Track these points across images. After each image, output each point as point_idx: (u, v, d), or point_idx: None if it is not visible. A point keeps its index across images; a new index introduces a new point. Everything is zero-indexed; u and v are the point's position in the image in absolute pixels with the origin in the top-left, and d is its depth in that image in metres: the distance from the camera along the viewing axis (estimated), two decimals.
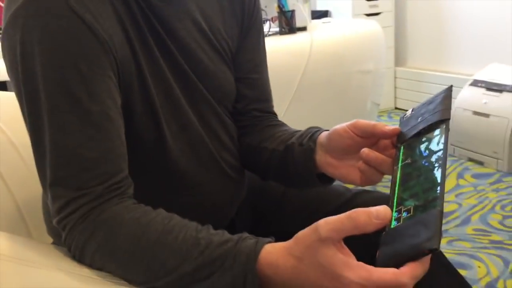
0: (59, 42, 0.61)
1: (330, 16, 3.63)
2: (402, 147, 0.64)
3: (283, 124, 0.90)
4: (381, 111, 3.61)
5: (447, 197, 2.23)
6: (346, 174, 0.73)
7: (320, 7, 3.78)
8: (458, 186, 2.36)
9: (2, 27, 0.64)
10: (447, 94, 0.64)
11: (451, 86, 0.65)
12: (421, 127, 0.63)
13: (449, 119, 0.61)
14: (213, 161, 0.81)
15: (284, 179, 0.85)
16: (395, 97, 3.77)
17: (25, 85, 0.62)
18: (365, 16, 3.47)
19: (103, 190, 0.62)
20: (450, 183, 2.39)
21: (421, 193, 0.55)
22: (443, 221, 2.00)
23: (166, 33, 0.73)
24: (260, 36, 0.90)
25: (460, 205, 2.16)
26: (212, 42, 0.80)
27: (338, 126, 0.72)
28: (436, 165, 0.56)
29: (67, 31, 0.61)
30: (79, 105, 0.62)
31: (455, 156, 2.70)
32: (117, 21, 0.67)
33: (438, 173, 0.55)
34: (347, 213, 0.51)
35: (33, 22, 0.60)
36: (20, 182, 0.99)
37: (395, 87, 3.75)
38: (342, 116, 2.28)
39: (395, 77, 3.73)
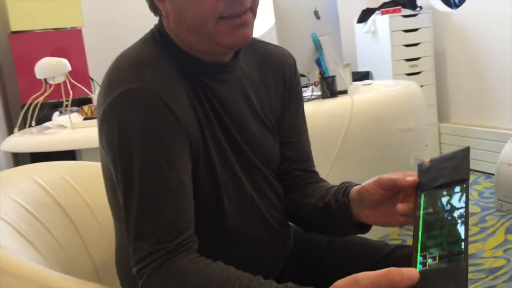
0: (148, 124, 0.77)
1: (371, 77, 3.77)
2: (422, 195, 0.73)
3: (322, 181, 1.01)
4: None
5: (495, 253, 2.23)
6: (385, 221, 0.83)
7: (361, 68, 3.94)
8: (506, 241, 2.35)
9: (100, 111, 0.80)
10: (466, 155, 0.72)
11: (468, 147, 0.73)
12: (442, 181, 0.71)
13: (468, 179, 0.69)
14: (263, 218, 0.93)
15: (326, 231, 0.97)
16: (441, 153, 3.80)
17: (120, 159, 0.77)
18: (405, 75, 3.58)
19: (175, 245, 0.75)
20: (498, 239, 2.38)
21: (446, 244, 0.63)
22: (491, 277, 1.99)
23: (223, 110, 0.88)
24: (299, 105, 1.03)
25: (508, 260, 2.15)
26: (260, 116, 0.94)
27: (365, 183, 0.84)
28: (459, 221, 0.65)
29: (155, 115, 0.77)
30: (161, 173, 0.76)
31: (503, 212, 2.68)
32: (190, 104, 0.83)
33: (461, 229, 0.64)
34: (384, 270, 0.62)
35: (128, 108, 0.77)
36: (96, 241, 1.14)
37: (440, 143, 3.79)
38: (385, 173, 2.35)
39: (440, 133, 3.77)
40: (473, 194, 3.04)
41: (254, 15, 0.83)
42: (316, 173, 1.04)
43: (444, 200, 0.69)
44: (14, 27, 2.81)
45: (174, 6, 0.81)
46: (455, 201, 0.68)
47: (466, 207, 0.66)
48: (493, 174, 2.77)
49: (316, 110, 2.21)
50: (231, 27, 0.79)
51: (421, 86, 3.30)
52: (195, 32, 0.82)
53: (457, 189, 0.69)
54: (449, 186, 0.70)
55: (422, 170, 0.77)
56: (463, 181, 0.70)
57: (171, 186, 0.77)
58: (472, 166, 3.51)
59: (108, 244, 1.10)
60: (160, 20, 0.88)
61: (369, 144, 2.30)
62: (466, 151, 0.73)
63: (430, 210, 0.70)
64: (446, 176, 0.72)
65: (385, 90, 2.58)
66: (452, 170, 0.72)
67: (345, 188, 0.90)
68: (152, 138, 0.77)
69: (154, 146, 0.77)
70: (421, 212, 0.70)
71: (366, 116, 2.29)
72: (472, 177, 3.37)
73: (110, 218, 0.97)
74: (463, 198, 0.67)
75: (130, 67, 0.80)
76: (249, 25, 0.82)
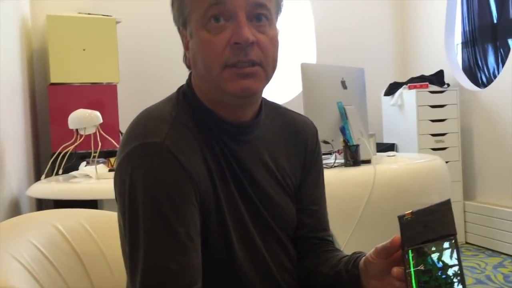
0: (158, 176, 0.78)
1: (396, 149, 3.77)
2: (410, 251, 0.71)
3: (336, 250, 1.00)
4: None
5: None
6: None
7: (387, 140, 3.95)
8: None
9: (117, 162, 0.83)
10: (448, 208, 0.71)
11: (449, 199, 0.73)
12: (429, 236, 0.70)
13: (456, 234, 0.68)
14: (274, 281, 0.92)
15: None
16: (466, 232, 3.69)
17: (129, 208, 0.79)
18: (431, 150, 3.57)
19: None
20: None
21: None
22: None
23: (241, 170, 0.89)
24: (320, 174, 1.04)
25: None
26: (278, 179, 0.95)
27: (368, 254, 0.83)
28: (455, 280, 0.64)
29: (165, 168, 0.79)
30: (168, 226, 0.77)
31: None
32: (203, 160, 0.84)
33: None
34: None
35: (141, 161, 0.79)
36: None
37: (465, 221, 3.69)
38: None
39: (465, 211, 3.69)
40: (498, 277, 2.93)
41: (265, 72, 0.85)
42: (331, 242, 1.04)
43: (435, 256, 0.68)
44: (54, 79, 2.95)
45: (191, 52, 0.86)
46: (446, 258, 0.67)
47: (460, 264, 0.65)
48: None
49: (338, 178, 2.20)
50: (234, 75, 0.82)
51: (447, 162, 3.27)
52: (205, 79, 0.86)
53: (446, 244, 0.68)
54: (436, 242, 0.69)
55: (404, 222, 0.75)
56: (451, 236, 0.69)
57: (179, 239, 0.77)
58: (498, 248, 3.40)
59: None
60: (189, 76, 0.92)
61: (390, 215, 2.24)
62: (448, 204, 0.72)
63: (422, 268, 0.68)
64: (432, 231, 0.70)
65: (409, 162, 2.57)
66: (438, 224, 0.71)
67: (355, 258, 0.90)
68: (160, 190, 0.78)
69: (162, 199, 0.78)
70: (412, 269, 0.69)
71: (389, 187, 2.27)
72: (497, 260, 3.26)
73: (123, 269, 0.97)
74: (455, 255, 0.66)
75: (148, 123, 0.83)
76: (253, 77, 0.83)
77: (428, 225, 0.72)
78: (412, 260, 0.70)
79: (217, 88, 0.84)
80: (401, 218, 0.76)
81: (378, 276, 0.82)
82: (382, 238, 2.35)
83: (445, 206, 0.72)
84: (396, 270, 0.75)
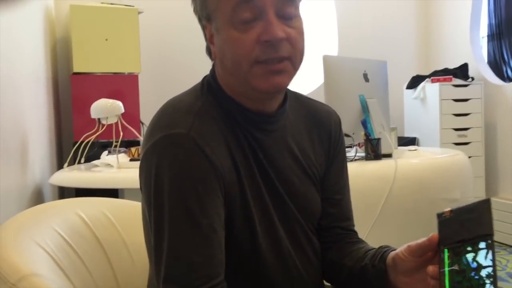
0: (183, 168, 0.78)
1: (417, 143, 3.73)
2: (446, 251, 0.70)
3: (361, 241, 0.99)
4: None
5: None
6: None
7: (408, 134, 3.90)
8: None
9: (142, 152, 0.84)
10: (487, 207, 0.69)
11: (489, 199, 0.71)
12: (465, 235, 0.68)
13: (493, 234, 0.67)
14: (297, 274, 0.92)
15: None
16: None
17: (154, 198, 0.79)
18: (453, 145, 3.52)
19: None
20: None
21: None
22: None
23: (267, 160, 0.89)
24: (344, 163, 1.03)
25: None
26: (304, 168, 0.95)
27: (398, 251, 0.82)
28: (488, 281, 0.63)
29: (191, 160, 0.79)
30: (192, 218, 0.77)
31: None
32: (228, 151, 0.84)
33: None
34: None
35: (167, 151, 0.79)
36: (128, 279, 1.15)
37: None
38: None
39: None
40: None
41: (293, 66, 0.84)
42: (355, 232, 1.03)
43: (470, 256, 0.67)
44: (76, 69, 2.98)
45: (218, 48, 0.85)
46: (481, 258, 0.65)
47: (494, 266, 0.64)
48: None
49: (359, 171, 2.18)
50: (265, 72, 0.81)
51: (470, 157, 3.22)
52: (234, 75, 0.85)
53: (482, 245, 0.67)
54: (473, 242, 0.68)
55: (442, 221, 0.74)
56: (488, 236, 0.67)
57: (202, 231, 0.77)
58: None
59: (140, 282, 1.11)
60: (212, 67, 0.92)
61: (410, 211, 2.23)
62: (487, 203, 0.70)
63: (456, 268, 0.67)
64: (469, 230, 0.69)
65: (431, 157, 2.53)
66: (475, 223, 0.69)
67: (382, 253, 0.88)
68: (185, 182, 0.78)
69: (187, 190, 0.78)
70: (446, 269, 0.68)
71: (410, 182, 2.24)
72: None
73: (144, 257, 0.98)
74: (490, 256, 0.65)
75: (173, 114, 0.83)
76: (284, 73, 0.83)
77: (466, 224, 0.70)
78: (448, 260, 0.69)
79: (246, 84, 0.84)
80: (439, 216, 0.74)
81: (408, 272, 0.81)
82: (402, 233, 2.33)
83: (485, 205, 0.70)
84: (432, 269, 0.74)
